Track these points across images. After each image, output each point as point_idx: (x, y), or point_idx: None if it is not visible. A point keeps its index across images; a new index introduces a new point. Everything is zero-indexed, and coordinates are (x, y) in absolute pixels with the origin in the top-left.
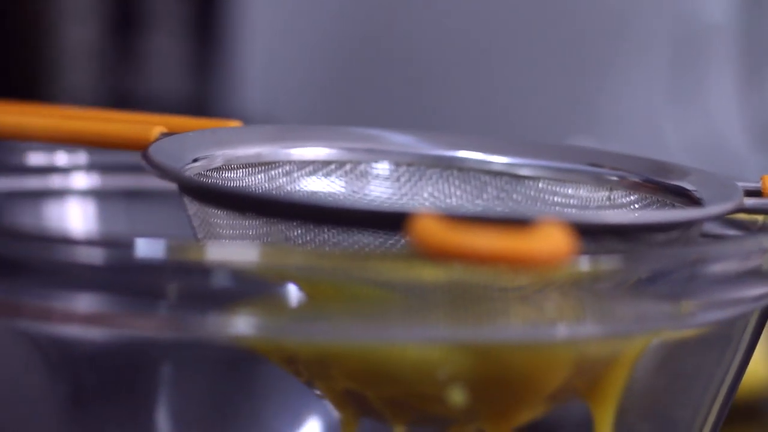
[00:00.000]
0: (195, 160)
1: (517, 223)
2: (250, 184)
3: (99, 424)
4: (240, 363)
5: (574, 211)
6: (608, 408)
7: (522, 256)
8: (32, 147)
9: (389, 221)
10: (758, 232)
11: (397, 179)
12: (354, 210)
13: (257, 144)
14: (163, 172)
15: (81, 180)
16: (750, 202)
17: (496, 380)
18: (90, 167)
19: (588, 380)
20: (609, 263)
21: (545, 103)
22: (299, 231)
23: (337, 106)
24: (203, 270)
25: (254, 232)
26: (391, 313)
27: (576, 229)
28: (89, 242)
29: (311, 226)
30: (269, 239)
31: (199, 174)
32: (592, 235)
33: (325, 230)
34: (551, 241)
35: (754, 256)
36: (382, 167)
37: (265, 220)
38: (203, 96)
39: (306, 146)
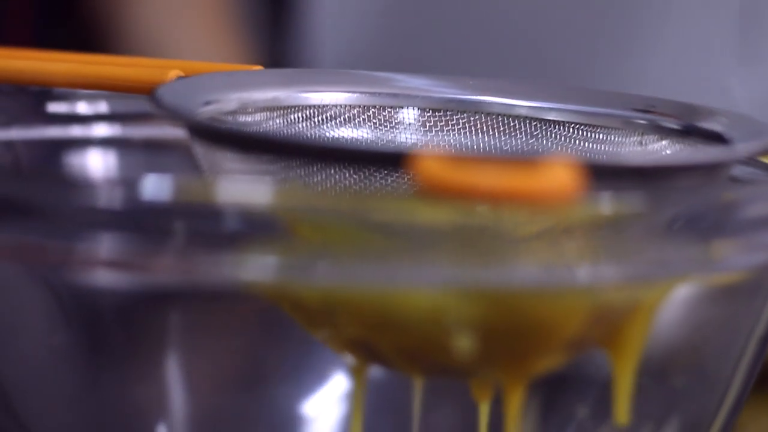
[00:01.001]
0: (207, 103)
1: (523, 161)
2: (268, 128)
3: (118, 376)
4: (265, 315)
5: (604, 156)
6: (629, 360)
7: (525, 193)
8: (53, 96)
9: (393, 161)
10: None
11: (423, 124)
12: (355, 150)
13: (274, 87)
14: (170, 113)
15: (102, 129)
16: None
17: (507, 327)
18: (111, 116)
19: (608, 329)
20: (620, 203)
21: (606, 59)
22: (303, 171)
23: (411, 59)
24: (211, 210)
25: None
26: (398, 254)
27: (589, 169)
28: (98, 183)
29: (314, 167)
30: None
31: (212, 117)
32: (610, 176)
33: (330, 171)
34: (555, 179)
35: None
36: (408, 113)
37: (266, 159)
38: (274, 55)
39: (327, 91)
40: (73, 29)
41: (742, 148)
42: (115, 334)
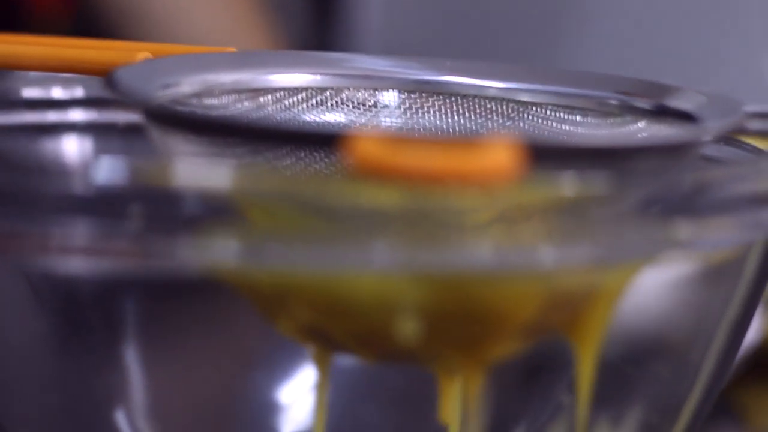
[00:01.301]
0: (166, 86)
1: (461, 141)
2: (234, 111)
3: (87, 364)
4: (240, 302)
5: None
6: (591, 345)
7: (461, 173)
8: (28, 81)
9: (329, 143)
10: (762, 155)
11: (398, 106)
12: (289, 130)
13: (242, 70)
14: (122, 95)
15: (78, 114)
16: (756, 125)
17: (459, 312)
18: (87, 101)
19: (568, 315)
20: (567, 184)
21: (638, 46)
22: (246, 155)
23: (459, 46)
24: (165, 193)
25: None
26: (347, 237)
27: (531, 149)
28: (56, 168)
29: (249, 146)
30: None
31: (174, 100)
32: (556, 156)
33: (270, 151)
34: (493, 159)
35: (750, 180)
36: (382, 95)
37: (206, 142)
38: (319, 43)
39: (298, 73)
40: (83, 16)
41: (707, 127)
42: (83, 321)
